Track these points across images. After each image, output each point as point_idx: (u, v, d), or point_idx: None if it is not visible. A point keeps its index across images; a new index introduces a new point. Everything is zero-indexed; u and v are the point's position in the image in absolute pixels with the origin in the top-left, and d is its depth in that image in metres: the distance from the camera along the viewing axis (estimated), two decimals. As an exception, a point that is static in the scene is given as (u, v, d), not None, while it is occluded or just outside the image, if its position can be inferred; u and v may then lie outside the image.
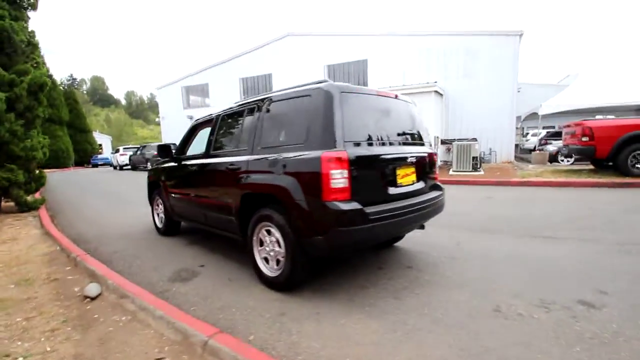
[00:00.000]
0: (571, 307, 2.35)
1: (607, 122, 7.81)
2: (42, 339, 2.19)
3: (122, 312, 2.48)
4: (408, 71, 16.91)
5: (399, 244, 3.90)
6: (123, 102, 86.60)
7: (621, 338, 1.97)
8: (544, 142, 15.08)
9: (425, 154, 3.10)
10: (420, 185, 3.01)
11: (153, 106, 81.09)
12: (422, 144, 3.18)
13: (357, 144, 2.50)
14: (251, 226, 2.92)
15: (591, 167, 9.25)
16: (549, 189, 7.28)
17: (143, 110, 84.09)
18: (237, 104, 3.48)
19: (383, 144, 2.71)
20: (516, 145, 16.65)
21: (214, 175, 3.43)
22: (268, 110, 2.94)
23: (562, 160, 12.37)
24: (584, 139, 7.77)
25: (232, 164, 3.11)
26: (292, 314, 2.40)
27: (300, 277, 2.66)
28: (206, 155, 3.62)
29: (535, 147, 14.69)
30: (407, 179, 2.84)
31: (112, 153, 27.89)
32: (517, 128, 16.77)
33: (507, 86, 14.44)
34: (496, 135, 14.86)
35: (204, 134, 4.07)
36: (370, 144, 2.60)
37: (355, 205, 2.34)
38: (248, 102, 3.24)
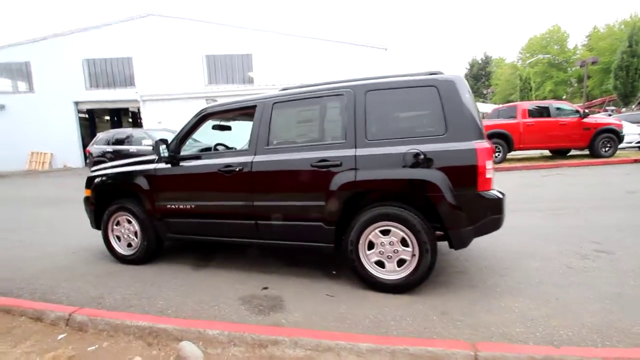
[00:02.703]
0: (600, 255, 3.21)
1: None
2: None
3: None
4: (295, 71, 17.39)
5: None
6: None
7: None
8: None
9: None
10: None
11: None
12: None
13: None
14: (357, 229, 2.61)
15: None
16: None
17: None
18: (299, 89, 2.95)
19: None
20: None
21: (282, 176, 2.81)
22: (369, 100, 2.65)
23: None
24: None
25: (324, 160, 2.65)
26: (454, 311, 2.34)
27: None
28: (254, 151, 2.92)
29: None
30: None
31: None
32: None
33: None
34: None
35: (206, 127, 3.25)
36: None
37: (500, 194, 2.47)
38: (328, 89, 2.81)
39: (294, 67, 17.45)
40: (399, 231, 2.54)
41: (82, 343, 2.11)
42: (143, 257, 3.48)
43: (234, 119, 3.74)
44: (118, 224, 3.58)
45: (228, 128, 3.98)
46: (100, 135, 11.05)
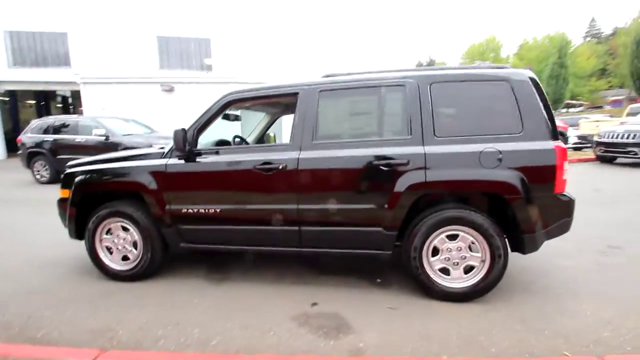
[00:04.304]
0: (615, 251, 3.37)
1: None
2: None
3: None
4: (259, 61, 16.55)
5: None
6: None
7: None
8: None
9: None
10: None
11: None
12: None
13: None
14: (422, 234, 2.38)
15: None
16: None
17: None
18: (350, 77, 2.60)
19: None
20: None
21: (336, 175, 2.46)
22: (434, 93, 2.41)
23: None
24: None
25: (385, 157, 2.35)
26: (530, 317, 2.23)
27: (499, 279, 2.44)
28: (298, 146, 2.51)
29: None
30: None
31: None
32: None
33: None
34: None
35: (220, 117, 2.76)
36: None
37: (572, 195, 2.40)
38: (386, 79, 2.50)
39: (257, 56, 16.61)
40: (468, 236, 2.36)
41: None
42: (145, 271, 2.87)
43: (261, 108, 3.25)
44: (109, 232, 2.92)
45: (238, 118, 3.48)
46: (36, 122, 9.36)
